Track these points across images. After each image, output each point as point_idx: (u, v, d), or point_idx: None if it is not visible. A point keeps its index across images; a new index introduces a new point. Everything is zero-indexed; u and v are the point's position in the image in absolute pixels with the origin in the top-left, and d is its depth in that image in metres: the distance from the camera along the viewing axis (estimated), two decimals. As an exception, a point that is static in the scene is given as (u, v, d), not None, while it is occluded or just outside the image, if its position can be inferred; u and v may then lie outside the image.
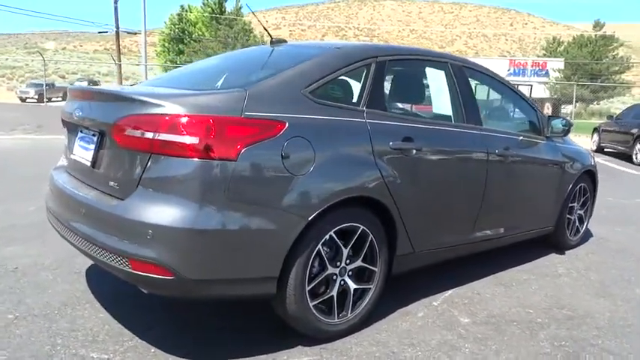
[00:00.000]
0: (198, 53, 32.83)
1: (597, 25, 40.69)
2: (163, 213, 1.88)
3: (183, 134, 1.89)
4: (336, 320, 2.31)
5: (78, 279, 2.83)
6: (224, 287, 2.02)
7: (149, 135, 1.92)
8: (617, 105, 39.44)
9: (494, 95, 3.83)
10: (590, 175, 4.05)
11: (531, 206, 3.53)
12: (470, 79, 3.10)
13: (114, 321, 2.36)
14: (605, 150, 12.67)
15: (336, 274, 2.29)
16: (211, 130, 1.90)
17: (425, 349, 2.28)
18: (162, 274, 1.88)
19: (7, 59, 55.41)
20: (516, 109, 3.68)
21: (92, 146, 2.25)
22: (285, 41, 3.01)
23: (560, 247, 3.91)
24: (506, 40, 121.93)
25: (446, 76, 2.95)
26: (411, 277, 2.87)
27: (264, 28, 3.16)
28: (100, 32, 33.99)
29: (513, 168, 3.22)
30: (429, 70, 3.08)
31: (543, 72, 35.59)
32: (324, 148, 2.16)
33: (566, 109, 29.83)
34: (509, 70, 33.94)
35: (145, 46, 24.52)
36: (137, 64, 41.91)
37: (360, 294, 2.41)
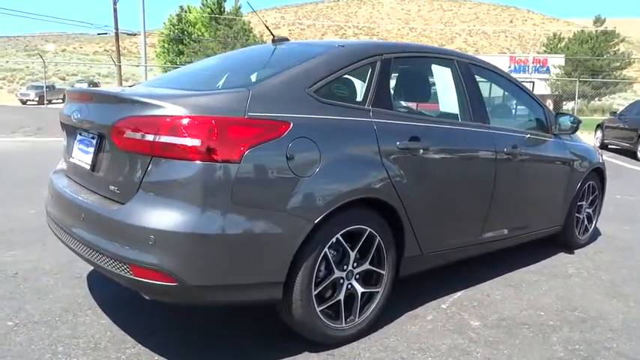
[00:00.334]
0: (198, 54, 32.82)
1: (598, 21, 40.60)
2: (165, 217, 1.82)
3: (185, 136, 1.82)
4: (343, 325, 2.25)
5: (79, 284, 2.79)
6: (228, 293, 1.96)
7: (149, 137, 1.86)
8: (618, 101, 39.42)
9: (501, 92, 3.77)
10: (598, 173, 3.99)
11: (540, 205, 3.46)
12: (476, 76, 3.04)
13: (116, 327, 2.31)
14: (609, 147, 12.58)
15: (342, 278, 2.23)
16: (214, 131, 1.83)
17: (435, 354, 2.22)
18: (165, 281, 1.83)
19: (7, 62, 55.44)
20: (524, 107, 3.62)
21: (91, 149, 2.20)
22: (288, 40, 2.96)
23: (569, 247, 3.86)
24: (506, 37, 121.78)
25: (452, 73, 2.89)
26: (418, 279, 2.82)
27: (266, 27, 3.09)
28: (99, 34, 34.01)
29: (522, 167, 3.16)
30: (435, 68, 3.02)
31: (544, 69, 35.55)
32: (330, 149, 2.09)
33: (568, 106, 29.75)
34: (509, 67, 33.88)
35: (145, 47, 24.49)
36: (137, 66, 41.96)
37: (367, 298, 2.35)
